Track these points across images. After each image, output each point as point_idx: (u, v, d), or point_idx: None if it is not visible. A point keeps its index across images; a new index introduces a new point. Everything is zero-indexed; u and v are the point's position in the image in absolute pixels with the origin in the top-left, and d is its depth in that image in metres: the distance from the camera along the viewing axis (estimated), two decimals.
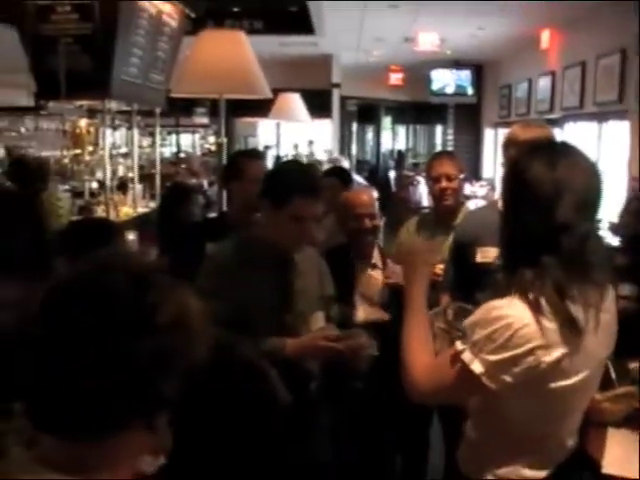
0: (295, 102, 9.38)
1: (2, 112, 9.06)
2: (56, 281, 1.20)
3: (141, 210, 7.32)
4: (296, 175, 2.73)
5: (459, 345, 1.80)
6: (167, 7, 6.96)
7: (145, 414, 1.16)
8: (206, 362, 1.21)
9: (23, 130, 8.62)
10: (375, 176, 15.29)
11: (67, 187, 7.19)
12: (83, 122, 7.40)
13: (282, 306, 2.73)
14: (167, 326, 1.15)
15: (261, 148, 12.78)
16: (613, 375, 2.58)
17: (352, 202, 3.61)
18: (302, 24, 10.36)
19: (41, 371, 1.14)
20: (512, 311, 1.73)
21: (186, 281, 1.25)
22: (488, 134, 15.04)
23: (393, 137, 18.62)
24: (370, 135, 18.91)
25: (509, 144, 3.21)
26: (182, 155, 13.77)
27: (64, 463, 1.14)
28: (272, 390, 1.70)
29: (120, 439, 1.16)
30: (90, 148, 7.48)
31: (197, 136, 14.80)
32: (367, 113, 17.42)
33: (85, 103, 6.83)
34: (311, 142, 14.91)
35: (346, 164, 9.92)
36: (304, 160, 11.28)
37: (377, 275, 3.58)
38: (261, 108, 9.25)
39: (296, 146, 14.64)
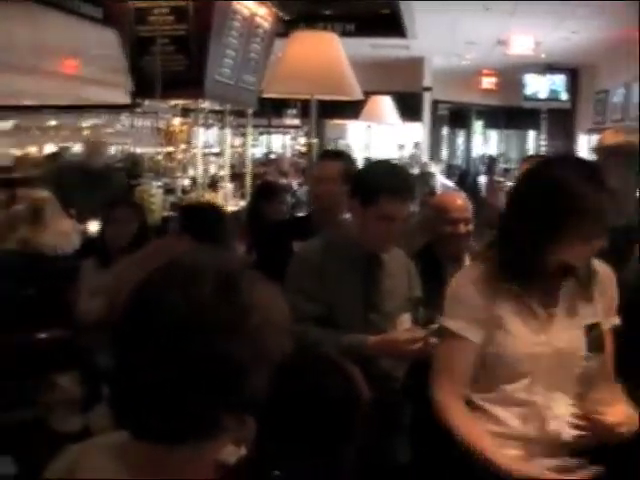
0: (386, 105, 9.36)
1: (101, 109, 9.34)
2: (149, 276, 1.17)
3: (231, 208, 7.41)
4: (384, 175, 2.72)
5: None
6: (260, 9, 7.05)
7: (236, 415, 1.13)
8: (290, 360, 1.19)
9: (119, 127, 8.86)
10: (465, 181, 15.10)
11: (160, 183, 7.33)
12: (177, 121, 7.52)
13: (368, 305, 2.72)
14: (257, 327, 1.12)
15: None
16: None
17: (447, 206, 3.48)
18: (394, 27, 10.35)
19: (127, 366, 1.13)
20: None
21: (273, 278, 1.24)
22: (582, 140, 14.69)
23: (484, 142, 18.40)
24: (461, 139, 18.70)
25: (595, 149, 3.38)
26: (272, 156, 13.90)
27: (145, 463, 1.13)
28: (354, 388, 1.70)
29: (208, 442, 1.14)
30: (183, 146, 7.59)
31: (288, 137, 14.91)
32: (458, 117, 17.27)
33: (179, 102, 6.96)
34: (401, 146, 14.83)
35: (436, 168, 9.81)
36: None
37: None
38: (352, 110, 9.29)
39: (401, 147, 14.63)
